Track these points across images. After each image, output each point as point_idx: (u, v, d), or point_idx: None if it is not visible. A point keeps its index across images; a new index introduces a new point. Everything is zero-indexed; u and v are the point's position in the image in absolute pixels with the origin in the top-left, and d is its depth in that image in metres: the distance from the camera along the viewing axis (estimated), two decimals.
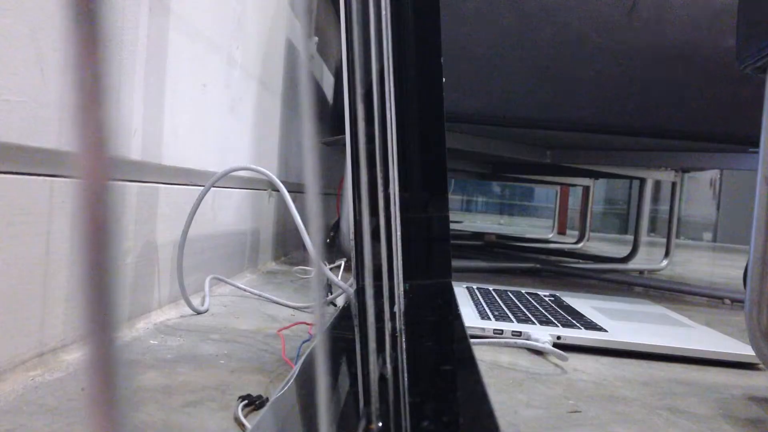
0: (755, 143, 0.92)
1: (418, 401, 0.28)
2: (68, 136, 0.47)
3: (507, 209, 6.21)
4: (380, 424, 0.25)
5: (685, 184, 5.64)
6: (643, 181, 1.88)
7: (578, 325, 0.73)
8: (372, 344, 0.29)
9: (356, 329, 0.43)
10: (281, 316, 0.73)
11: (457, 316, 0.49)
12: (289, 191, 0.70)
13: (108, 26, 0.09)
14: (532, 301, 0.89)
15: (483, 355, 0.64)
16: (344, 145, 0.66)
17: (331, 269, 1.10)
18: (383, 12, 0.37)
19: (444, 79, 0.67)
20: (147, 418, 0.39)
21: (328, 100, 1.70)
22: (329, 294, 0.76)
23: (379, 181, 0.32)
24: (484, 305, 0.82)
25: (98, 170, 0.09)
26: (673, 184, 1.76)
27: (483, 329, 0.69)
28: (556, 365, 0.62)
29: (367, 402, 0.28)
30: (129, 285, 0.60)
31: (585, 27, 1.07)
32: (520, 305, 0.84)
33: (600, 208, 5.99)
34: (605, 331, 0.72)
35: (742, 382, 0.61)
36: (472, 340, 0.44)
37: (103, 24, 0.09)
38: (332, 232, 1.49)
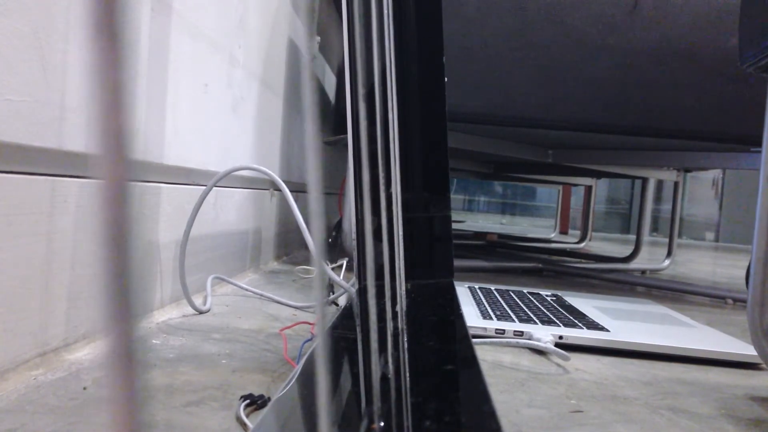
0: (757, 142, 0.92)
1: (420, 401, 0.28)
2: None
3: (509, 209, 6.20)
4: (382, 423, 0.25)
5: (688, 184, 5.64)
6: (645, 180, 1.88)
7: (580, 324, 0.73)
8: (374, 344, 0.29)
9: (358, 329, 0.43)
10: (283, 315, 0.73)
11: (459, 316, 0.49)
12: (291, 191, 0.70)
13: (128, 31, 0.09)
14: (534, 301, 0.89)
15: (485, 354, 0.64)
16: (346, 144, 0.66)
17: (333, 269, 1.09)
18: (385, 12, 0.37)
19: (446, 79, 0.67)
20: (149, 418, 0.39)
21: (330, 100, 1.70)
22: (331, 293, 0.76)
23: (381, 180, 0.33)
24: (486, 305, 0.82)
25: (118, 171, 0.09)
26: (676, 184, 1.75)
27: (485, 329, 0.69)
28: (558, 365, 0.62)
29: (369, 402, 0.28)
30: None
31: (587, 27, 1.07)
32: (522, 305, 0.84)
33: (602, 208, 5.99)
34: (607, 330, 0.72)
35: (745, 382, 0.61)
36: (473, 340, 0.44)
37: (124, 29, 0.09)
38: (334, 231, 1.49)
